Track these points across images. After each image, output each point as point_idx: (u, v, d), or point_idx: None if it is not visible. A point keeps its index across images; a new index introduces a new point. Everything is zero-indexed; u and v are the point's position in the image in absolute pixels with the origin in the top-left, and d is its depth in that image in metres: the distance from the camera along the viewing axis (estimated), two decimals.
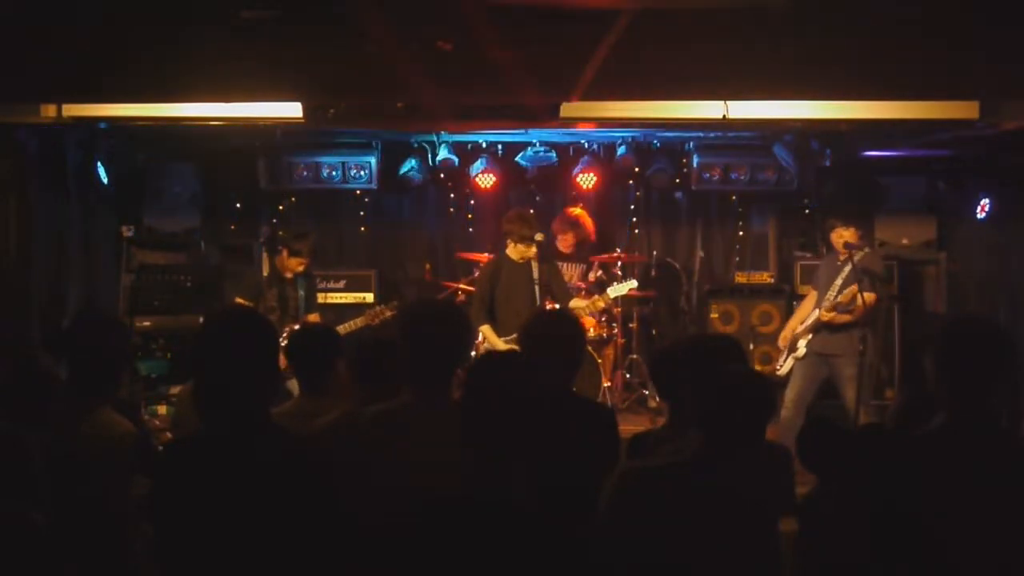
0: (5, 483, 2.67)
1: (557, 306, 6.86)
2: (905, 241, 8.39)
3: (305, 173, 8.31)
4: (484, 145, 8.61)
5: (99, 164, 7.84)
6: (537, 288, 6.80)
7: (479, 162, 8.51)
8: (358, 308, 8.49)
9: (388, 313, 7.16)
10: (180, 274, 8.03)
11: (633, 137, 8.26)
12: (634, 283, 7.42)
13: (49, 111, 6.67)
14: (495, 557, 2.79)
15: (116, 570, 3.33)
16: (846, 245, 6.60)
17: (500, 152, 8.65)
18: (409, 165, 8.40)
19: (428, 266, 9.04)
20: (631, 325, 8.28)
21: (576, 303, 6.96)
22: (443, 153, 8.33)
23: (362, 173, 8.27)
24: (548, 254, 7.24)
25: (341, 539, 2.58)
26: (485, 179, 8.52)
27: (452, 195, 9.04)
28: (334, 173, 8.29)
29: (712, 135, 8.04)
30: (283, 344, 3.38)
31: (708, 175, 8.31)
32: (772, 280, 8.67)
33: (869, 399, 6.67)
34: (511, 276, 6.88)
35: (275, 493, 2.51)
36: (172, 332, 7.75)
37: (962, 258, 8.35)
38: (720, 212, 9.18)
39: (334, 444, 3.00)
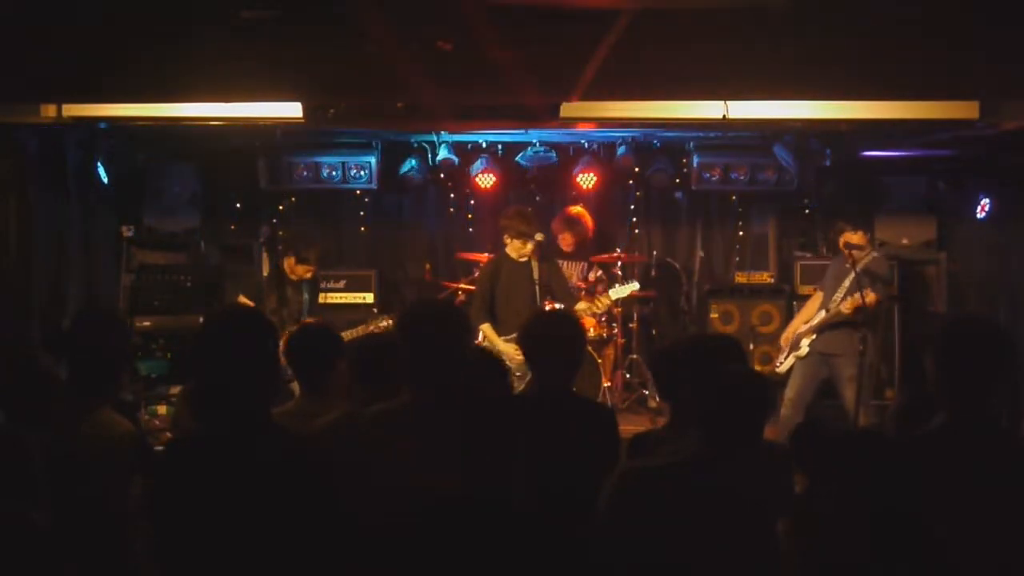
0: (5, 483, 2.67)
1: (558, 306, 6.85)
2: (905, 241, 8.39)
3: (305, 173, 8.31)
4: (484, 145, 8.60)
5: (99, 164, 7.83)
6: (537, 288, 6.80)
7: (479, 162, 8.51)
8: (358, 308, 8.52)
9: (387, 322, 7.19)
10: (180, 274, 8.03)
11: (633, 137, 8.26)
12: (636, 285, 7.43)
13: (49, 111, 6.67)
14: (495, 557, 2.80)
15: (116, 570, 3.33)
16: (846, 245, 6.62)
17: (500, 152, 8.65)
18: (409, 165, 8.40)
19: (428, 266, 9.04)
20: (631, 325, 8.28)
21: (578, 305, 6.96)
22: (443, 153, 8.33)
23: (362, 173, 8.27)
24: (548, 254, 7.24)
25: (341, 539, 2.58)
26: (485, 179, 8.52)
27: (452, 195, 9.04)
28: (334, 173, 8.29)
29: (712, 135, 8.04)
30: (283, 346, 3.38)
31: (708, 175, 8.31)
32: (772, 280, 8.67)
33: (869, 399, 6.68)
34: (511, 275, 6.87)
35: (275, 493, 2.51)
36: (172, 332, 7.74)
37: (962, 258, 8.35)
38: (720, 212, 9.17)
39: (334, 444, 3.00)
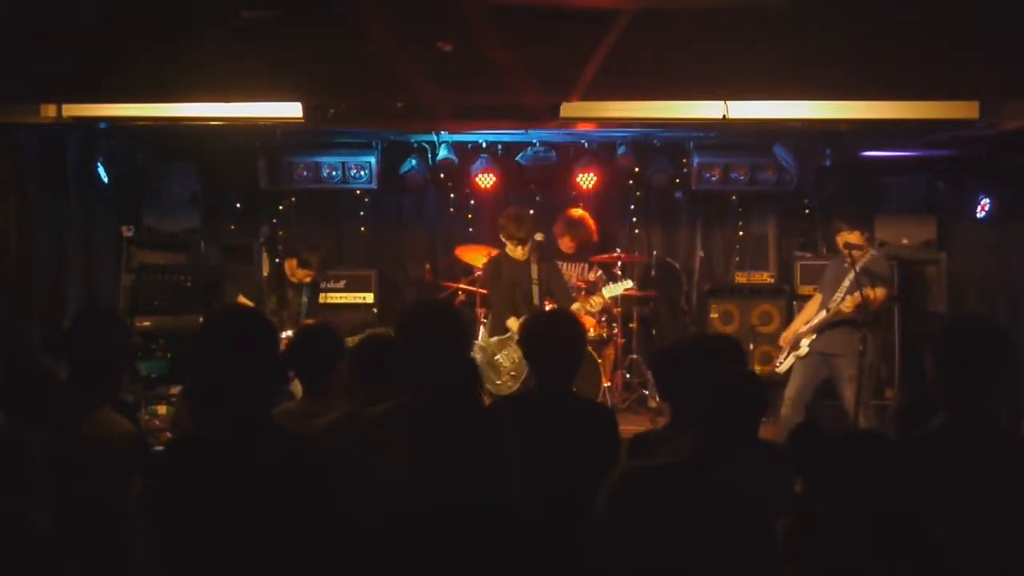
0: (5, 483, 2.67)
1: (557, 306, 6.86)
2: (905, 241, 8.39)
3: (305, 173, 8.31)
4: (484, 145, 8.61)
5: (99, 164, 7.84)
6: (536, 288, 6.80)
7: (479, 162, 8.52)
8: (358, 308, 8.53)
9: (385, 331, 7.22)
10: (180, 274, 8.03)
11: (633, 137, 8.26)
12: (629, 283, 7.44)
13: (49, 111, 6.67)
14: (494, 558, 2.79)
15: (116, 570, 3.33)
16: (846, 245, 6.62)
17: (500, 152, 8.65)
18: (409, 165, 8.41)
19: (428, 266, 9.04)
20: (631, 325, 8.28)
21: (572, 306, 6.97)
22: (443, 153, 8.33)
23: (362, 173, 8.27)
24: (548, 254, 7.24)
25: (341, 539, 2.58)
26: (485, 179, 8.52)
27: (452, 195, 9.04)
28: (334, 173, 8.29)
29: (712, 135, 8.04)
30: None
31: (708, 175, 8.31)
32: (772, 280, 8.67)
33: (869, 399, 6.68)
34: (511, 274, 6.89)
35: (275, 493, 2.51)
36: (172, 332, 7.75)
37: (962, 258, 8.35)
38: (720, 212, 9.17)
39: (334, 444, 3.00)
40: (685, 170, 8.54)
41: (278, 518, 2.50)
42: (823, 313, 6.80)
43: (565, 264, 8.02)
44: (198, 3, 4.38)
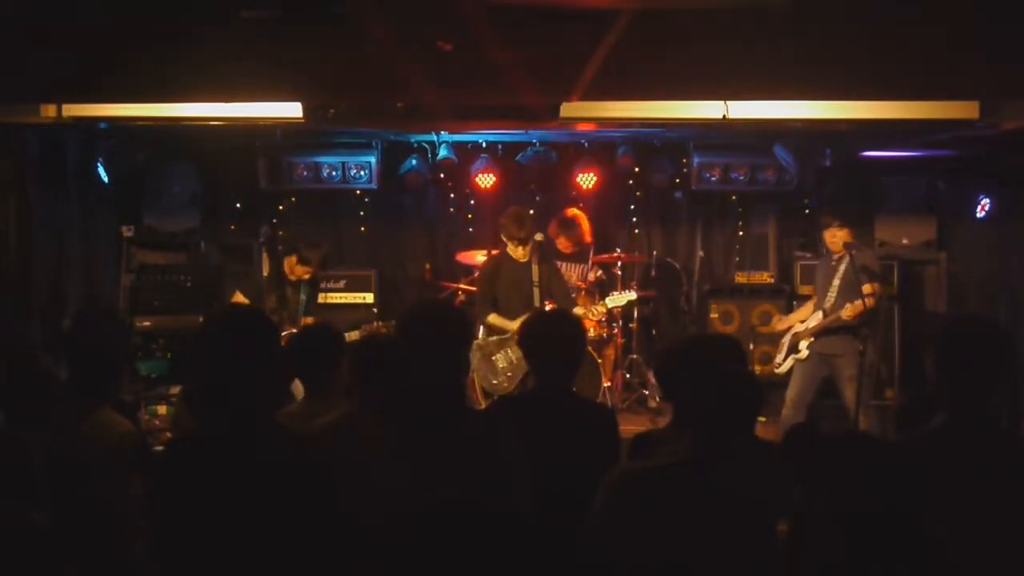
0: (5, 483, 2.67)
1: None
2: (905, 241, 8.40)
3: (305, 173, 8.31)
4: (484, 145, 8.61)
5: (99, 164, 7.84)
6: (536, 289, 6.80)
7: (479, 162, 8.52)
8: (358, 308, 8.53)
9: (384, 330, 7.21)
10: (180, 274, 8.03)
11: (633, 137, 8.26)
12: (633, 295, 7.46)
13: (49, 111, 6.66)
14: (494, 558, 2.79)
15: (116, 570, 3.33)
16: (846, 245, 6.63)
17: (500, 152, 8.65)
18: (409, 164, 8.41)
19: (428, 266, 9.04)
20: (631, 325, 8.28)
21: (574, 310, 6.97)
22: (443, 153, 8.33)
23: (362, 173, 8.27)
24: (548, 255, 7.24)
25: (341, 539, 2.58)
26: (485, 179, 8.53)
27: (452, 195, 9.04)
28: (334, 173, 8.28)
29: (712, 135, 8.04)
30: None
31: (708, 175, 8.31)
32: (772, 280, 8.68)
33: (869, 399, 6.69)
34: (511, 274, 6.88)
35: (275, 493, 2.51)
36: (172, 332, 7.75)
37: (962, 258, 8.35)
38: (720, 212, 9.18)
39: (334, 444, 3.00)
40: (685, 170, 8.55)
41: (278, 518, 2.50)
42: (819, 314, 6.80)
43: (565, 264, 8.02)
44: (198, 3, 4.37)
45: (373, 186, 8.37)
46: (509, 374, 6.82)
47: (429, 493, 2.62)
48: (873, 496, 2.49)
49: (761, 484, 2.77)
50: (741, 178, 8.32)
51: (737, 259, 9.14)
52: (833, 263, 6.81)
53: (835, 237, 6.76)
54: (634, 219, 9.16)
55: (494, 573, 2.75)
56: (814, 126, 6.96)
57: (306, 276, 7.43)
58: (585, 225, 8.26)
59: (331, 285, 8.54)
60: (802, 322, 6.97)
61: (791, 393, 6.82)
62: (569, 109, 6.52)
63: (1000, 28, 4.48)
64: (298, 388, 4.12)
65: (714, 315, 8.54)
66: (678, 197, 9.13)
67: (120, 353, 3.70)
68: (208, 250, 8.50)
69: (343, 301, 8.57)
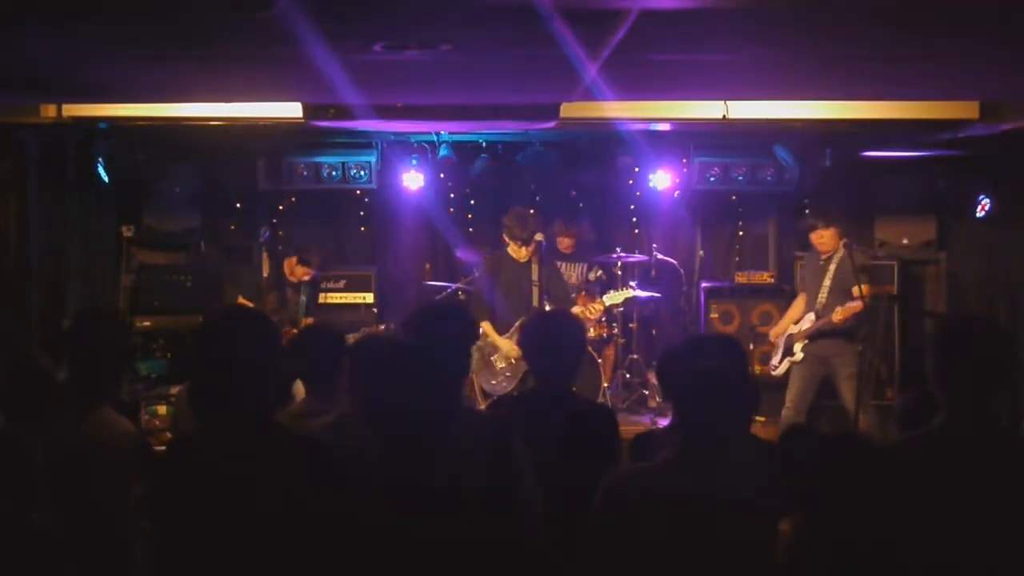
0: (5, 483, 2.67)
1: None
2: (905, 241, 8.40)
3: (305, 173, 8.30)
4: (484, 145, 8.60)
5: (99, 164, 7.84)
6: (536, 289, 6.81)
7: (479, 162, 8.51)
8: (358, 308, 8.52)
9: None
10: (180, 274, 8.03)
11: (633, 137, 8.25)
12: (630, 293, 7.45)
13: (49, 111, 6.67)
14: (494, 558, 2.79)
15: (116, 570, 3.33)
16: (845, 244, 6.64)
17: (500, 152, 8.65)
18: (410, 164, 8.41)
19: (428, 266, 9.04)
20: (631, 325, 8.28)
21: (572, 309, 6.97)
22: (443, 153, 8.33)
23: (362, 173, 8.26)
24: (548, 255, 7.24)
25: (341, 539, 2.58)
26: (483, 179, 8.52)
27: (452, 195, 9.03)
28: (334, 173, 8.27)
29: (712, 135, 8.03)
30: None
31: (708, 175, 8.31)
32: (772, 280, 8.67)
33: (869, 399, 6.69)
34: (511, 274, 6.88)
35: (275, 493, 2.50)
36: (172, 332, 7.75)
37: (962, 258, 8.35)
38: (720, 212, 9.17)
39: (334, 444, 3.00)
40: (685, 170, 8.54)
41: (279, 518, 2.50)
42: (811, 315, 6.80)
43: (565, 264, 8.02)
44: (199, 3, 4.36)
45: (373, 186, 8.36)
46: (508, 374, 6.83)
47: (429, 493, 2.63)
48: (870, 496, 2.49)
49: (760, 485, 2.77)
50: (741, 178, 8.32)
51: (737, 259, 9.14)
52: (822, 263, 6.83)
53: (822, 238, 6.78)
54: (634, 219, 9.16)
55: (493, 573, 2.76)
56: (814, 126, 6.97)
57: (306, 277, 7.45)
58: (585, 224, 8.27)
59: (331, 285, 8.53)
60: (796, 323, 6.97)
61: (791, 394, 6.82)
62: (569, 109, 6.52)
63: (1000, 28, 4.47)
64: (298, 388, 4.11)
65: (714, 315, 8.54)
66: (678, 197, 9.13)
67: (120, 353, 3.69)
68: (208, 250, 8.50)
69: (343, 301, 8.56)
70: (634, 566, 2.76)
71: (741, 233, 9.15)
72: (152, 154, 8.30)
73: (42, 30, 3.93)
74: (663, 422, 7.20)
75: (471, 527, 2.72)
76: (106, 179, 7.92)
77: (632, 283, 8.00)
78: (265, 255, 8.55)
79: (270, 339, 2.68)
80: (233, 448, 2.55)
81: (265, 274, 8.11)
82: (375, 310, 8.56)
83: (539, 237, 6.90)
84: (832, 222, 6.78)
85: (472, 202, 9.03)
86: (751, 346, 8.10)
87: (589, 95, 5.38)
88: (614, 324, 8.04)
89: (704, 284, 8.86)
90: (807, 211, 7.14)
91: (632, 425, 7.20)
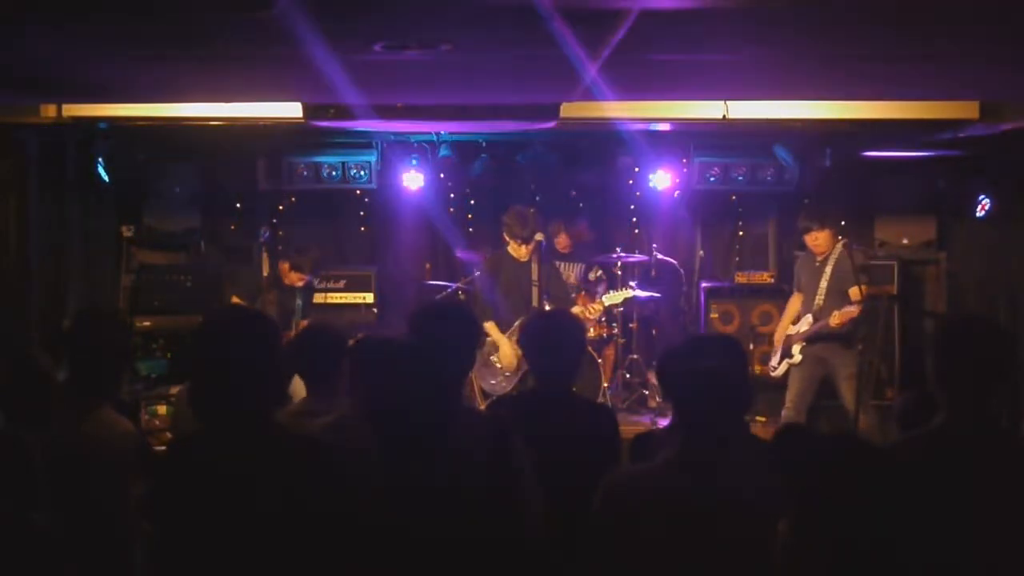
0: (5, 483, 2.67)
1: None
2: (905, 241, 8.40)
3: (305, 173, 8.29)
4: (484, 145, 8.60)
5: (99, 164, 7.84)
6: (536, 289, 6.81)
7: (479, 162, 8.52)
8: (358, 308, 8.52)
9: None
10: (180, 274, 8.03)
11: (633, 137, 8.25)
12: (630, 293, 7.45)
13: (49, 111, 6.67)
14: (494, 558, 2.80)
15: (116, 570, 3.33)
16: (845, 244, 6.64)
17: (500, 152, 8.65)
18: (410, 164, 8.41)
19: (428, 266, 9.04)
20: (631, 325, 8.28)
21: (572, 309, 6.97)
22: (443, 153, 8.33)
23: (362, 173, 8.26)
24: (547, 255, 7.24)
25: (341, 539, 2.58)
26: (483, 179, 8.52)
27: (452, 195, 9.03)
28: (334, 173, 8.27)
29: (712, 135, 8.03)
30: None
31: (708, 175, 8.31)
32: (772, 280, 8.67)
33: (869, 399, 6.69)
34: (511, 274, 6.89)
35: (275, 493, 2.51)
36: (172, 332, 7.75)
37: (962, 258, 8.35)
38: (720, 212, 9.17)
39: (334, 444, 3.00)
40: (685, 170, 8.54)
41: (279, 518, 2.50)
42: (809, 317, 6.80)
43: (564, 264, 8.02)
44: (199, 3, 4.36)
45: (373, 186, 8.36)
46: (507, 374, 6.83)
47: (429, 493, 2.63)
48: (870, 496, 2.49)
49: (760, 485, 2.77)
50: (741, 178, 8.32)
51: (737, 259, 9.14)
52: (817, 264, 6.83)
53: (817, 240, 6.78)
54: (634, 219, 9.16)
55: (493, 572, 2.76)
56: (814, 126, 6.97)
57: (300, 283, 7.44)
58: (584, 224, 8.27)
59: (331, 285, 8.53)
60: (794, 323, 6.97)
61: (790, 395, 6.82)
62: (569, 109, 6.52)
63: (1000, 28, 4.47)
64: (297, 388, 4.11)
65: (714, 315, 8.54)
66: (678, 197, 9.13)
67: (120, 353, 3.70)
68: (208, 250, 8.50)
69: (343, 301, 8.55)
70: (634, 566, 2.76)
71: (741, 233, 9.15)
72: (152, 154, 8.30)
73: (42, 30, 3.93)
74: (663, 422, 7.20)
75: (471, 527, 2.72)
76: (106, 179, 7.92)
77: (632, 283, 7.99)
78: (265, 255, 8.55)
79: (270, 339, 2.68)
80: (233, 448, 2.55)
81: (265, 274, 8.11)
82: (375, 310, 8.55)
83: (539, 237, 6.90)
84: (827, 224, 6.78)
85: (472, 202, 9.02)
86: (751, 346, 8.10)
87: (589, 95, 5.38)
88: (614, 324, 8.04)
89: (704, 284, 8.85)
90: (801, 216, 7.12)
91: (632, 425, 7.20)
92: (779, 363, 6.95)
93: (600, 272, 8.28)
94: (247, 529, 2.49)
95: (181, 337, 7.63)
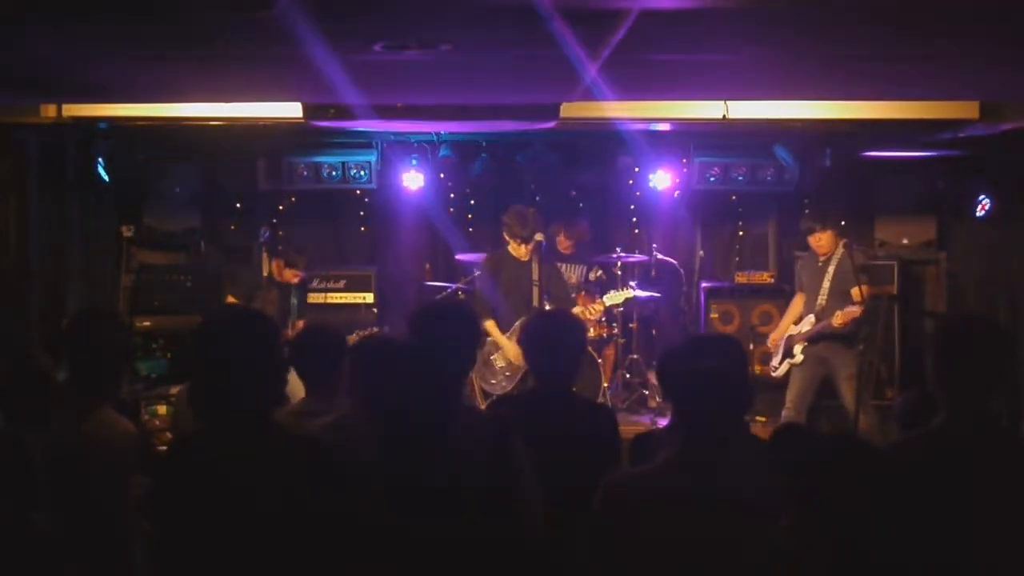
0: (5, 483, 2.67)
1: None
2: (905, 241, 8.40)
3: (305, 173, 8.29)
4: (484, 145, 8.60)
5: (99, 164, 7.84)
6: (536, 289, 6.80)
7: (479, 162, 8.52)
8: (358, 308, 8.52)
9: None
10: (180, 274, 8.03)
11: (632, 137, 8.25)
12: (630, 293, 7.45)
13: (49, 111, 6.67)
14: (494, 558, 2.80)
15: (116, 570, 3.33)
16: (845, 244, 6.65)
17: (500, 152, 8.65)
18: (410, 164, 8.41)
19: (428, 266, 9.04)
20: (631, 325, 8.28)
21: (573, 309, 6.97)
22: (443, 153, 8.33)
23: (362, 173, 8.26)
24: (548, 255, 7.24)
25: (341, 539, 2.58)
26: (483, 179, 8.52)
27: (452, 195, 9.03)
28: (334, 173, 8.27)
29: (712, 135, 8.03)
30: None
31: (708, 175, 8.31)
32: (772, 280, 8.67)
33: (869, 399, 6.69)
34: (511, 273, 6.88)
35: (275, 493, 2.51)
36: (172, 332, 7.75)
37: (962, 258, 8.35)
38: (720, 212, 9.17)
39: (334, 444, 3.00)
40: (685, 170, 8.54)
41: (279, 518, 2.50)
42: (811, 317, 6.80)
43: (564, 264, 8.02)
44: (199, 3, 4.37)
45: (373, 186, 8.36)
46: (508, 374, 6.83)
47: (429, 493, 2.62)
48: (870, 496, 2.49)
49: (760, 485, 2.77)
50: (741, 178, 8.32)
51: (737, 259, 9.14)
52: (820, 264, 6.84)
53: (820, 241, 6.80)
54: (634, 219, 9.16)
55: (493, 572, 2.76)
56: (814, 126, 6.97)
57: (294, 280, 7.45)
58: (584, 224, 8.26)
59: (331, 285, 8.53)
60: (795, 324, 6.97)
61: (790, 395, 6.82)
62: (569, 109, 6.52)
63: (1000, 28, 4.47)
64: (296, 388, 4.11)
65: (714, 315, 8.54)
66: (678, 197, 9.13)
67: (120, 353, 3.70)
68: (208, 250, 8.50)
69: (343, 301, 8.56)
70: (634, 566, 2.76)
71: (741, 233, 9.15)
72: (152, 154, 8.30)
73: (42, 30, 3.93)
74: (663, 422, 7.20)
75: (471, 527, 2.72)
76: (106, 179, 7.92)
77: (632, 283, 7.99)
78: (265, 255, 8.55)
79: (270, 339, 2.68)
80: (233, 448, 2.55)
81: (265, 274, 8.10)
82: (375, 310, 8.55)
83: (539, 237, 6.90)
84: (829, 224, 6.80)
85: (472, 202, 9.02)
86: (751, 346, 8.09)
87: (589, 95, 5.38)
88: (614, 324, 8.04)
89: (704, 284, 8.85)
90: (803, 218, 7.13)
91: (632, 425, 7.20)
92: (780, 363, 6.96)
93: (600, 272, 8.28)
94: (247, 529, 2.49)
95: (181, 337, 7.63)
